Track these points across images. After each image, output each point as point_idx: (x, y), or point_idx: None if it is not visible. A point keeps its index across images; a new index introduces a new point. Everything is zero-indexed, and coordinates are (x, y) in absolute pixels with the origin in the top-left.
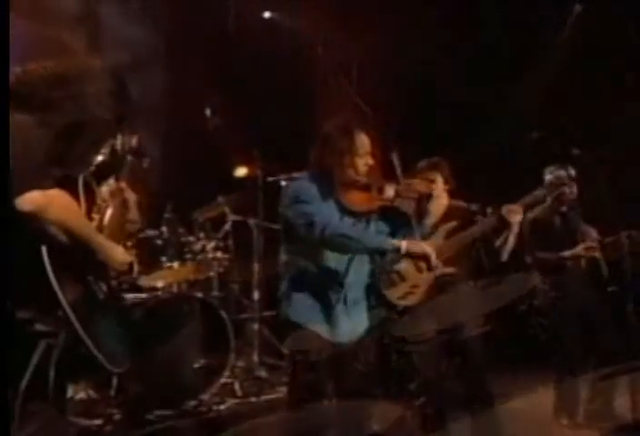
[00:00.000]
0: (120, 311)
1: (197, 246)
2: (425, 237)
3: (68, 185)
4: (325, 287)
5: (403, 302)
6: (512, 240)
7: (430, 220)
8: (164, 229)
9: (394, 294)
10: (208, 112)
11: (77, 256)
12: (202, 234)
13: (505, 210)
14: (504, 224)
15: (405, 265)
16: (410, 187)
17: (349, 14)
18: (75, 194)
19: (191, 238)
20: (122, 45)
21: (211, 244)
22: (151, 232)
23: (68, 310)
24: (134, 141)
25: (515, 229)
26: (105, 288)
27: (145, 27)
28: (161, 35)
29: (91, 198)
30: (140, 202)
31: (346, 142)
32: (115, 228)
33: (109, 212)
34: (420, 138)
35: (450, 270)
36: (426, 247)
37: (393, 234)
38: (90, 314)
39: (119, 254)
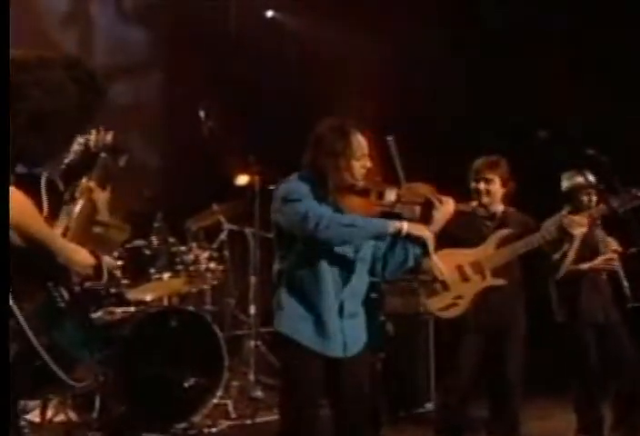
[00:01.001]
0: (106, 325)
1: (189, 257)
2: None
3: (32, 184)
4: (319, 298)
5: (445, 314)
6: (572, 255)
7: (434, 227)
8: (153, 238)
9: (435, 305)
10: (202, 115)
11: (35, 260)
12: (194, 244)
13: (567, 221)
14: (564, 236)
15: (450, 273)
16: (413, 191)
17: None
18: (37, 194)
19: (183, 248)
20: (115, 45)
21: (204, 255)
22: (139, 242)
23: (21, 319)
24: (109, 137)
25: (577, 243)
26: (66, 295)
27: (140, 27)
28: (156, 35)
29: (55, 199)
30: (112, 203)
31: (342, 143)
32: (80, 230)
33: (75, 212)
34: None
35: (499, 281)
36: (425, 230)
37: (393, 244)
38: (49, 323)
39: (82, 257)
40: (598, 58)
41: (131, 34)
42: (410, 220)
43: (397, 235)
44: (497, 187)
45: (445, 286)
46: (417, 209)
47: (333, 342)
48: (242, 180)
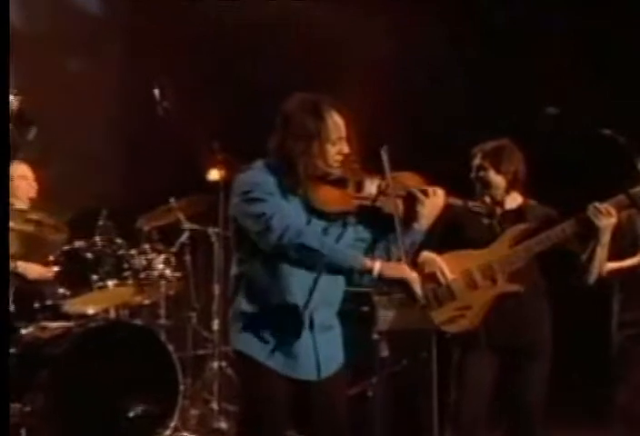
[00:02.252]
0: (37, 343)
1: (141, 262)
2: (415, 246)
3: None
4: (284, 307)
5: (449, 328)
6: (600, 253)
7: (421, 224)
8: (97, 239)
9: (438, 317)
10: (157, 94)
11: None
12: (147, 247)
13: (591, 210)
14: (589, 230)
15: (455, 279)
16: (397, 182)
17: None
18: None
19: (133, 251)
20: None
21: (159, 259)
22: (79, 244)
23: None
24: (14, 103)
25: (606, 238)
26: None
27: None
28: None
29: None
30: (43, 195)
31: (314, 124)
32: None
33: None
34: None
35: (515, 288)
36: (407, 272)
37: (375, 242)
38: None
39: None
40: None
41: (89, 5)
42: (392, 215)
43: (366, 276)
44: (509, 177)
45: (450, 294)
46: (401, 203)
47: (303, 362)
48: (213, 174)
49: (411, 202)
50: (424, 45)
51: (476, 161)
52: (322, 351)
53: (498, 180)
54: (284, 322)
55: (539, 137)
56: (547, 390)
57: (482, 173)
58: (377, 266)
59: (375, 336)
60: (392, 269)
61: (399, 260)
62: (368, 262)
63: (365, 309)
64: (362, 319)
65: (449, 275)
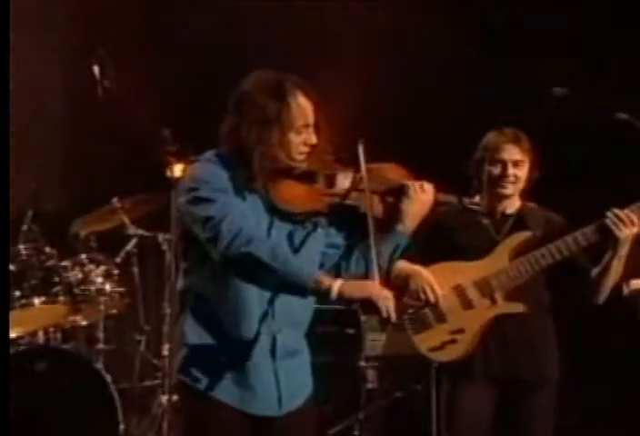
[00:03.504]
0: None
1: (76, 275)
2: (406, 253)
3: None
4: (241, 328)
5: (438, 356)
6: (617, 267)
7: (405, 226)
8: (20, 247)
9: (425, 342)
10: (96, 71)
11: None
12: (84, 257)
13: (610, 218)
14: (606, 240)
15: (445, 297)
16: (375, 175)
17: None
18: None
19: (65, 262)
20: None
21: (98, 272)
22: None
23: None
24: None
25: (624, 250)
26: None
27: None
28: None
29: None
30: None
31: (275, 107)
32: None
33: None
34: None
35: (516, 307)
36: (375, 290)
37: (350, 249)
38: None
39: None
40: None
41: None
42: (370, 215)
43: (323, 297)
44: (525, 173)
45: (439, 316)
46: (379, 200)
47: (262, 395)
48: (164, 169)
49: (393, 198)
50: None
51: (501, 150)
52: (285, 382)
53: (524, 175)
54: (238, 347)
55: (542, 128)
56: (555, 420)
57: (509, 167)
58: (336, 285)
59: (362, 363)
60: (355, 288)
61: (382, 268)
62: (325, 281)
63: (351, 331)
64: (346, 343)
65: (439, 292)
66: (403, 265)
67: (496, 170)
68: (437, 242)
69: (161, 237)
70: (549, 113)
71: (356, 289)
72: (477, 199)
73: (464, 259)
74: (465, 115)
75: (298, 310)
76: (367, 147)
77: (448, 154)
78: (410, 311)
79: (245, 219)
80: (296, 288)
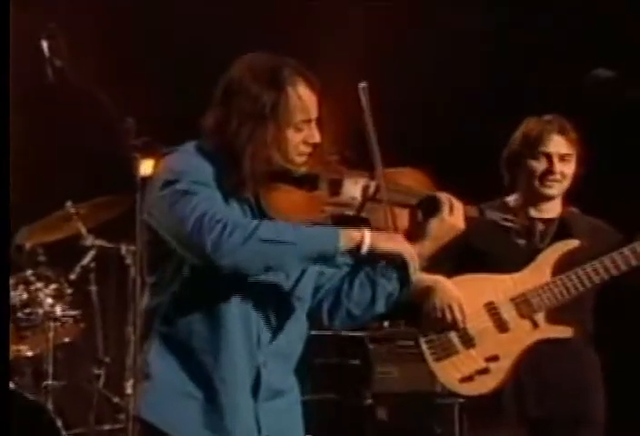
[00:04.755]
0: None
1: (19, 295)
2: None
3: None
4: (218, 361)
5: (466, 389)
6: None
7: (425, 247)
8: None
9: (448, 373)
10: (45, 48)
11: None
12: (30, 273)
13: None
14: None
15: (475, 317)
16: (393, 183)
17: None
18: None
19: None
20: None
21: (48, 291)
22: None
23: None
24: None
25: None
26: None
27: None
28: None
29: None
30: None
31: (270, 98)
32: None
33: None
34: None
35: (563, 332)
36: (405, 243)
37: (355, 270)
38: None
39: None
40: None
41: None
42: (384, 230)
43: (355, 254)
44: (571, 170)
45: (468, 340)
46: (400, 211)
47: None
48: (146, 167)
49: (415, 213)
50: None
51: (547, 142)
52: (268, 427)
53: (571, 173)
54: (214, 383)
55: (582, 118)
56: None
57: (556, 162)
58: (367, 237)
59: (369, 401)
60: (386, 239)
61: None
62: (354, 234)
63: (356, 362)
64: (350, 377)
65: (464, 310)
66: (420, 276)
67: (541, 165)
68: (462, 250)
69: (124, 249)
70: (591, 98)
71: (387, 241)
72: (513, 198)
73: (495, 271)
74: (486, 106)
75: (288, 338)
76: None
77: (462, 154)
78: (430, 333)
79: (230, 213)
80: (325, 252)
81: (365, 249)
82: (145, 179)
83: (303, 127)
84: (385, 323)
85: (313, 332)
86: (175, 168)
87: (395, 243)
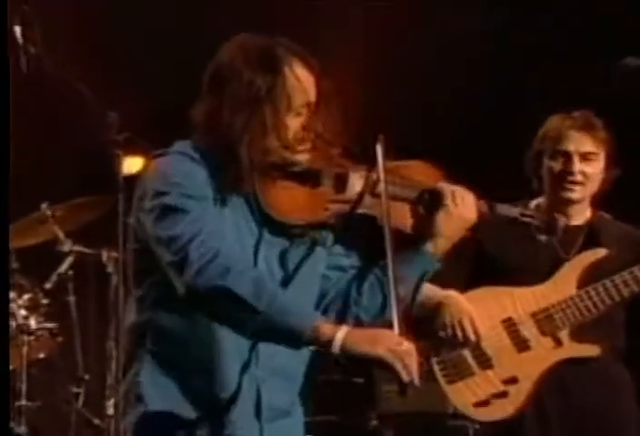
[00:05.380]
0: None
1: None
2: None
3: None
4: (214, 381)
5: (482, 414)
6: None
7: (436, 246)
8: None
9: (462, 396)
10: (18, 33)
11: None
12: None
13: None
14: None
15: (491, 334)
16: (400, 175)
17: None
18: None
19: None
20: None
21: (21, 302)
22: None
23: None
24: None
25: None
26: None
27: None
28: None
29: None
30: None
31: (265, 81)
32: None
33: None
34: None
35: (590, 350)
36: (393, 344)
37: (363, 274)
38: None
39: None
40: None
41: None
42: (391, 228)
43: (326, 351)
44: (598, 170)
45: (484, 360)
46: (406, 209)
47: None
48: (133, 165)
49: (422, 208)
50: None
51: (569, 139)
52: None
53: (597, 174)
54: (212, 404)
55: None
56: None
57: (576, 162)
58: (340, 336)
59: (374, 423)
60: (365, 339)
61: (403, 302)
62: (325, 329)
63: (360, 381)
64: (354, 396)
65: (481, 327)
66: (431, 290)
67: (558, 165)
68: (478, 259)
69: (106, 255)
70: (620, 89)
71: (366, 341)
72: (536, 203)
73: (514, 283)
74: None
75: (290, 356)
76: (387, 138)
77: (462, 154)
78: (442, 352)
79: (222, 239)
80: (285, 337)
81: (335, 349)
82: (129, 178)
83: (302, 111)
84: None
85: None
86: (165, 177)
87: (376, 346)
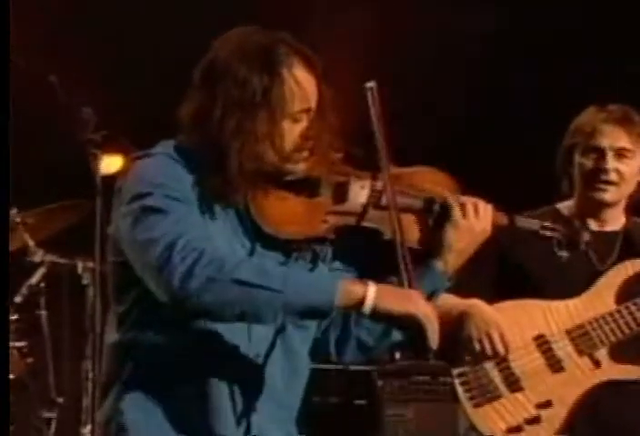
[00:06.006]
0: None
1: None
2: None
3: None
4: (203, 409)
5: None
6: None
7: (447, 263)
8: None
9: (489, 421)
10: None
11: None
12: None
13: None
14: None
15: (522, 353)
16: (407, 185)
17: None
18: None
19: None
20: None
21: None
22: None
23: None
24: None
25: None
26: None
27: None
28: None
29: None
30: None
31: (263, 82)
32: None
33: None
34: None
35: (631, 372)
36: (422, 306)
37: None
38: None
39: None
40: None
41: None
42: (397, 244)
43: (357, 311)
44: (635, 169)
45: (513, 381)
46: (412, 222)
47: None
48: (111, 164)
49: (432, 221)
50: None
51: (603, 135)
52: None
53: (634, 173)
54: (197, 426)
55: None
56: None
57: (610, 160)
58: (371, 292)
59: None
60: (396, 297)
61: None
62: (356, 286)
63: (362, 403)
64: (355, 420)
65: (508, 342)
66: (452, 299)
67: (590, 162)
68: (501, 267)
69: (81, 266)
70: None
71: (397, 299)
72: (566, 205)
73: (545, 296)
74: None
75: (285, 381)
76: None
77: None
78: (464, 370)
79: (208, 241)
80: (312, 308)
81: (367, 309)
82: (107, 179)
83: (301, 117)
84: (397, 354)
85: (311, 366)
86: (148, 178)
87: (408, 304)
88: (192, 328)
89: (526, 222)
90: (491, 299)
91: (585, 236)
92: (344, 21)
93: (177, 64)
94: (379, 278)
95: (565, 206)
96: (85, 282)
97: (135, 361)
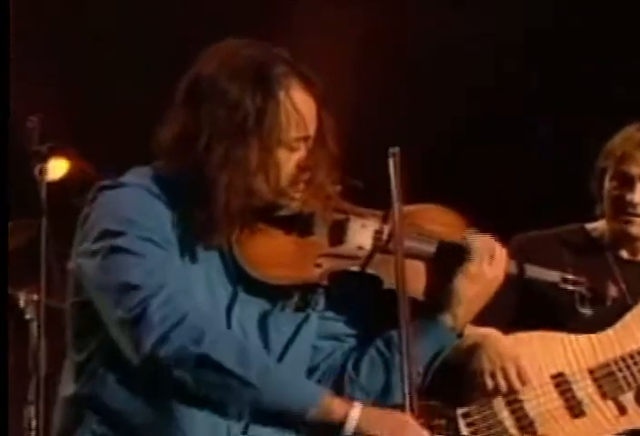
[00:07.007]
0: None
1: None
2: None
3: None
4: None
5: None
6: None
7: (456, 317)
8: None
9: None
10: None
11: None
12: None
13: None
14: None
15: (538, 394)
16: (415, 225)
17: None
18: None
19: None
20: None
21: None
22: None
23: None
24: None
25: None
26: None
27: None
28: None
29: None
30: None
31: (256, 106)
32: None
33: None
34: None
35: None
36: (409, 430)
37: (363, 346)
38: None
39: None
40: None
41: None
42: (399, 295)
43: (334, 432)
44: None
45: (527, 423)
46: (420, 270)
47: None
48: (56, 170)
49: (440, 268)
50: None
51: (611, 158)
52: None
53: None
54: None
55: None
56: None
57: (614, 183)
58: (355, 415)
59: None
60: (378, 421)
61: (416, 382)
62: (338, 406)
63: None
64: None
65: (527, 378)
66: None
67: (617, 189)
68: (522, 297)
69: (24, 299)
70: None
71: (386, 428)
72: (595, 226)
73: (566, 329)
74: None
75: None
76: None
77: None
78: (472, 410)
79: (189, 297)
80: (284, 417)
81: (347, 432)
82: (52, 187)
83: (298, 146)
84: None
85: None
86: (120, 214)
87: (391, 429)
88: (160, 380)
89: (541, 273)
90: (507, 328)
91: (613, 291)
92: (344, 21)
93: (155, 75)
94: (377, 332)
95: (595, 228)
96: (28, 316)
97: (94, 418)
